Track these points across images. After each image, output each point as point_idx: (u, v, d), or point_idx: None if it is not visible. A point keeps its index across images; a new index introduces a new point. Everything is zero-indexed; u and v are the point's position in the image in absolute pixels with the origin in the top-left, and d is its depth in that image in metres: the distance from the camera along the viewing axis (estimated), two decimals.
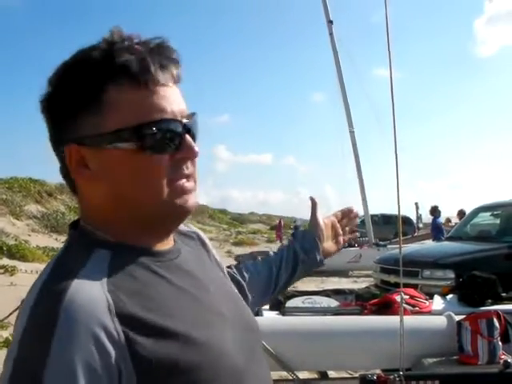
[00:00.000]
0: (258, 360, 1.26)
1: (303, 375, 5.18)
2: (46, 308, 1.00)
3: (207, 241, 1.45)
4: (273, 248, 27.68)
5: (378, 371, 4.07)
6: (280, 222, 29.82)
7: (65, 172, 1.17)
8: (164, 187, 1.12)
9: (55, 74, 1.14)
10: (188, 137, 1.15)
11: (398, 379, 3.85)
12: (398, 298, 5.31)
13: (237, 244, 32.70)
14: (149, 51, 1.11)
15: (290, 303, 5.49)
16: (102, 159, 1.11)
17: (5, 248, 17.84)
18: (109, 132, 1.09)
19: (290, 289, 10.45)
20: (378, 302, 5.21)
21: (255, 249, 30.10)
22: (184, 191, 1.15)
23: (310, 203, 1.86)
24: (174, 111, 1.13)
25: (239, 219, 55.31)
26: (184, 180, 1.15)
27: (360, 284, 12.84)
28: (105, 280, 1.05)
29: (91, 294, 1.01)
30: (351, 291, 5.85)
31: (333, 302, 5.41)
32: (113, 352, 0.98)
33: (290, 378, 4.57)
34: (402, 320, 3.56)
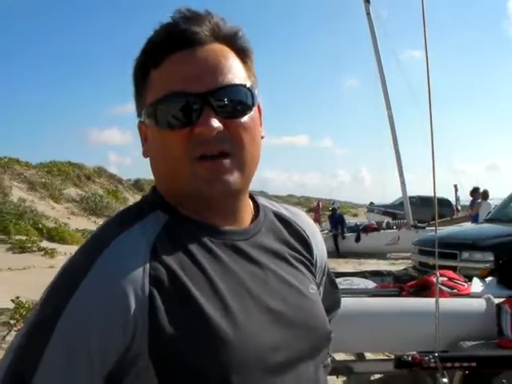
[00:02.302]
0: (308, 363, 1.16)
1: (339, 357, 5.18)
2: (84, 257, 1.05)
3: (312, 239, 1.34)
4: None
5: (414, 353, 4.05)
6: (318, 203, 29.70)
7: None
8: (184, 164, 1.08)
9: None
10: (207, 111, 1.07)
11: (433, 360, 3.83)
12: (436, 280, 5.27)
13: None
14: (177, 31, 1.11)
15: None
16: (148, 135, 1.17)
17: (44, 231, 18.16)
18: (143, 109, 1.15)
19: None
20: (415, 283, 5.18)
21: None
22: (210, 168, 1.08)
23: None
24: (190, 86, 1.08)
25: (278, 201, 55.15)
26: (210, 157, 1.08)
27: (398, 266, 12.74)
28: (150, 241, 1.06)
29: (130, 251, 1.03)
30: (389, 273, 5.84)
31: (370, 284, 5.39)
32: (133, 309, 0.98)
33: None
34: (437, 301, 3.54)
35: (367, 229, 21.23)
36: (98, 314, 0.97)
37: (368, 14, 21.14)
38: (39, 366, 0.96)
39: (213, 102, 1.08)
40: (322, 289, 1.41)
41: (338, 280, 4.88)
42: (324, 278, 1.42)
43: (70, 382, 0.97)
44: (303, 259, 1.28)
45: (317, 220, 28.72)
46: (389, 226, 21.78)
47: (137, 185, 34.87)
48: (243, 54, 1.18)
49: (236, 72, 1.13)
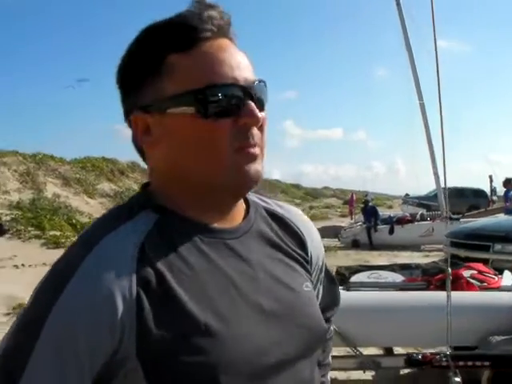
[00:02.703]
0: (302, 362, 1.15)
1: (368, 351, 5.15)
2: (71, 258, 1.03)
3: (306, 235, 1.32)
4: (345, 222, 27.71)
5: (425, 351, 3.99)
6: (352, 196, 29.67)
7: (134, 142, 1.18)
8: (226, 154, 1.08)
9: (126, 48, 1.16)
10: (250, 102, 1.09)
11: (444, 359, 3.76)
12: (465, 273, 5.20)
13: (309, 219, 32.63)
14: (206, 18, 1.10)
15: (355, 278, 5.43)
16: (164, 125, 1.11)
17: (79, 226, 18.38)
18: (169, 97, 1.09)
19: (356, 263, 10.34)
20: (444, 277, 5.10)
21: (328, 223, 30.04)
22: (248, 159, 1.09)
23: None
24: (235, 76, 1.09)
25: (313, 194, 55.36)
26: (249, 148, 1.10)
27: (432, 258, 12.60)
28: (139, 240, 1.04)
29: (117, 252, 1.02)
30: (417, 266, 5.76)
31: (398, 277, 5.33)
32: (121, 311, 0.97)
33: (353, 353, 4.54)
34: (449, 296, 3.46)
35: (401, 221, 21.11)
36: (84, 315, 0.96)
37: (398, 4, 20.92)
38: (28, 366, 0.95)
39: (254, 95, 1.11)
40: (320, 286, 1.39)
41: (365, 273, 4.88)
42: (322, 275, 1.39)
43: (59, 381, 0.96)
44: (297, 256, 1.26)
45: (350, 212, 28.67)
46: (423, 218, 21.62)
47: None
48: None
49: (252, 69, 1.16)
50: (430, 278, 5.17)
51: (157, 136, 1.12)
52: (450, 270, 3.98)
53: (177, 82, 1.09)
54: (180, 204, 1.13)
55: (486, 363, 3.83)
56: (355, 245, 21.11)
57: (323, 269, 1.39)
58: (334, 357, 5.03)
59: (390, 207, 44.55)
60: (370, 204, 23.13)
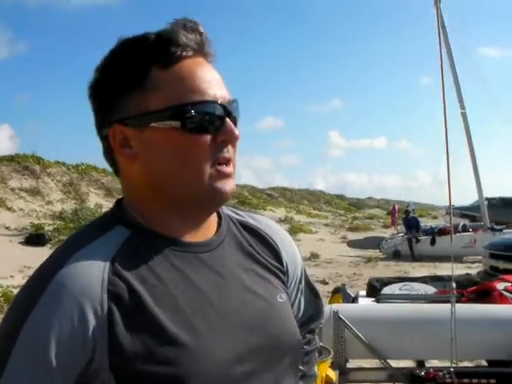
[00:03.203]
0: (273, 372, 1.15)
1: (401, 363, 5.08)
2: (43, 273, 1.05)
3: (280, 246, 1.32)
4: (387, 233, 27.44)
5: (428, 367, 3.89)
6: (394, 206, 29.31)
7: (108, 155, 1.18)
8: (204, 168, 1.11)
9: (102, 61, 1.17)
10: (229, 120, 1.13)
11: (448, 376, 3.67)
12: (499, 286, 5.09)
13: (352, 229, 32.58)
14: (188, 36, 1.13)
15: (386, 290, 5.38)
16: (144, 138, 1.12)
17: None
18: (152, 111, 1.10)
19: (395, 274, 10.18)
20: (476, 289, 5.02)
21: (370, 234, 29.82)
22: (223, 175, 1.13)
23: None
24: (215, 94, 1.13)
25: (357, 204, 55.13)
26: (224, 164, 1.13)
27: (474, 270, 12.43)
28: (110, 256, 1.06)
29: (88, 267, 1.03)
30: (450, 278, 5.65)
31: (430, 289, 5.26)
32: (92, 325, 0.99)
33: (383, 366, 4.49)
34: (453, 312, 3.37)
35: (442, 232, 20.80)
36: (56, 330, 0.98)
37: (438, 10, 20.72)
38: (1, 380, 0.97)
39: (232, 113, 1.15)
40: (301, 297, 1.38)
41: (397, 285, 4.82)
42: (301, 286, 1.38)
43: None
44: (271, 267, 1.27)
45: (393, 223, 28.36)
46: (465, 229, 21.28)
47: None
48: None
49: None
50: (462, 290, 5.08)
51: (136, 149, 1.13)
52: (454, 284, 3.89)
53: (160, 97, 1.10)
54: (152, 219, 1.14)
55: (492, 381, 3.74)
56: (396, 256, 20.95)
57: (302, 279, 1.38)
58: (363, 369, 5.00)
59: (435, 218, 43.96)
60: (411, 215, 22.90)
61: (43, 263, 1.09)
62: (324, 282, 14.30)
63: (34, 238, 17.74)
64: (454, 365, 3.60)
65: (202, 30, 1.16)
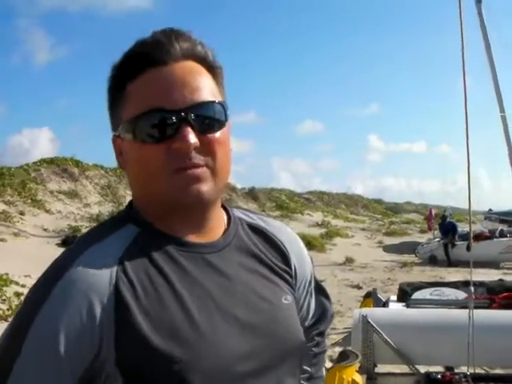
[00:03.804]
0: (275, 373, 1.17)
1: (431, 370, 5.03)
2: (54, 269, 1.09)
3: (289, 249, 1.33)
4: (424, 238, 27.12)
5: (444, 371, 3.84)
6: (430, 211, 29.00)
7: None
8: (162, 176, 1.11)
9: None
10: (185, 127, 1.11)
11: (464, 379, 3.63)
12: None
13: (388, 234, 32.29)
14: (156, 44, 1.15)
15: (417, 295, 5.35)
16: (124, 148, 1.18)
17: None
18: (122, 123, 1.16)
19: (430, 280, 10.05)
20: (508, 295, 4.96)
21: (407, 239, 29.51)
22: (188, 180, 1.11)
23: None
24: (174, 100, 1.12)
25: (394, 209, 54.64)
26: (188, 169, 1.11)
27: (511, 277, 12.24)
28: (119, 254, 1.09)
29: (98, 263, 1.07)
30: (482, 283, 5.60)
31: (461, 294, 5.21)
32: (100, 320, 1.02)
33: (411, 371, 4.46)
34: (471, 317, 3.33)
35: (479, 237, 20.53)
36: (65, 324, 1.01)
37: (479, 13, 20.49)
38: (11, 375, 1.01)
39: (190, 118, 1.12)
40: (311, 299, 1.40)
41: (428, 290, 4.77)
42: (311, 289, 1.40)
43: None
44: (278, 270, 1.28)
45: (429, 228, 28.04)
46: (502, 234, 20.96)
47: (251, 193, 35.20)
48: (215, 71, 1.21)
49: (210, 89, 1.17)
50: (493, 296, 5.03)
51: (125, 158, 1.19)
52: (472, 289, 3.86)
53: (126, 109, 1.15)
54: (157, 220, 1.17)
55: None
56: (432, 261, 20.74)
57: (312, 281, 1.40)
58: (391, 374, 4.95)
59: (473, 223, 43.40)
60: (448, 219, 22.64)
61: (56, 259, 1.12)
62: (358, 287, 14.24)
63: (71, 240, 17.92)
64: (471, 370, 3.54)
65: (173, 35, 1.16)
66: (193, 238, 1.18)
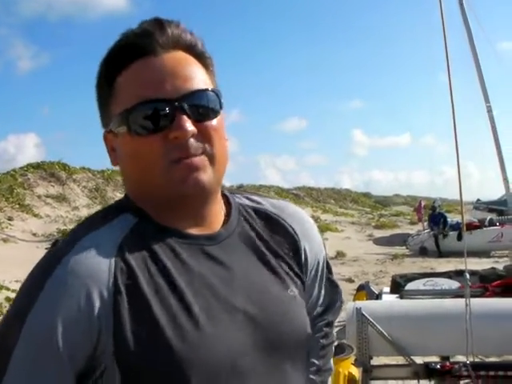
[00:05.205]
0: (278, 366, 1.15)
1: (426, 360, 5.03)
2: (50, 257, 1.07)
3: (299, 233, 1.29)
4: (414, 230, 27.27)
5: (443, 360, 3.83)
6: (420, 202, 29.15)
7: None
8: (161, 167, 1.09)
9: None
10: (180, 116, 1.08)
11: (464, 369, 3.61)
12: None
13: (378, 227, 32.36)
14: (143, 34, 1.13)
15: (410, 286, 5.34)
16: (116, 143, 1.17)
17: None
18: (114, 117, 1.14)
19: (422, 271, 10.11)
20: (501, 283, 4.96)
21: (397, 231, 29.63)
22: (187, 169, 1.09)
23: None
24: (165, 90, 1.10)
25: (383, 202, 54.86)
26: (186, 158, 1.09)
27: (501, 264, 12.30)
28: (117, 242, 1.08)
29: (96, 251, 1.05)
30: (474, 272, 5.59)
31: (454, 284, 5.20)
32: (99, 309, 1.00)
33: (407, 362, 4.45)
34: (468, 304, 3.31)
35: (469, 226, 20.59)
36: (63, 314, 0.99)
37: (461, 4, 20.62)
38: (9, 366, 0.99)
39: (185, 107, 1.10)
40: (321, 284, 1.36)
41: (421, 281, 4.77)
42: (323, 275, 1.36)
43: (41, 375, 0.99)
44: (286, 257, 1.25)
45: (419, 219, 28.17)
46: (491, 223, 21.06)
47: (240, 190, 35.33)
48: (205, 61, 1.19)
49: (202, 78, 1.15)
50: (486, 284, 5.03)
51: (117, 153, 1.18)
52: (468, 275, 3.82)
53: (117, 103, 1.13)
54: (153, 212, 1.15)
55: (510, 373, 3.68)
56: (423, 252, 20.84)
57: (325, 268, 1.36)
58: (387, 366, 4.95)
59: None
60: (438, 210, 22.72)
61: (52, 248, 1.11)
62: (350, 280, 14.25)
63: None
64: (470, 358, 3.52)
65: (161, 23, 1.14)
66: (192, 231, 1.16)
